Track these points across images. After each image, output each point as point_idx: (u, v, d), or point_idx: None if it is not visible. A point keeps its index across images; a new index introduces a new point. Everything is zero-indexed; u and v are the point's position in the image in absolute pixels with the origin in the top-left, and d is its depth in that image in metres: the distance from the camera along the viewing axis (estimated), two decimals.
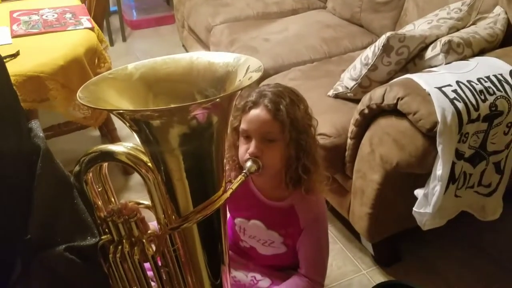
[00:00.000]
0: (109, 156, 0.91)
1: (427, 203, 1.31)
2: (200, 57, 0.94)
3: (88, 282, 0.95)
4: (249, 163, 1.08)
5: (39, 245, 0.86)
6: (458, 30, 1.59)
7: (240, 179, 0.97)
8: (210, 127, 0.84)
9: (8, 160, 0.84)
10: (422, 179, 1.33)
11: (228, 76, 0.89)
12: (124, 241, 0.96)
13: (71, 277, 0.91)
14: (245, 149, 1.14)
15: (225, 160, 0.94)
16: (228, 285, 1.07)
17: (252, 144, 1.13)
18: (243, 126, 1.16)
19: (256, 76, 0.84)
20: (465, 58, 1.45)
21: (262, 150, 1.12)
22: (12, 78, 1.00)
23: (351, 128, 1.49)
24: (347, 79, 1.66)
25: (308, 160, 1.18)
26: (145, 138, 0.84)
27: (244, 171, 1.03)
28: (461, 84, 1.28)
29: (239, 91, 0.85)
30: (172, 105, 0.87)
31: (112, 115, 2.03)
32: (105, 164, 0.97)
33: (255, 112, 1.14)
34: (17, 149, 0.86)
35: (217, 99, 0.82)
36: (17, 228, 0.85)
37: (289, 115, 1.13)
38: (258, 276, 1.38)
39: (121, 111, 0.83)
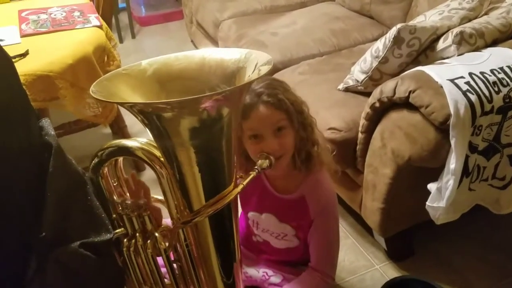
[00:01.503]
0: (126, 151, 0.94)
1: (441, 197, 1.29)
2: (212, 53, 0.95)
3: (103, 278, 0.96)
4: (260, 160, 1.08)
5: (54, 242, 0.87)
6: (470, 20, 1.56)
7: (252, 174, 0.97)
8: (221, 121, 0.85)
9: (19, 158, 0.85)
10: (434, 173, 1.31)
11: (238, 72, 0.89)
12: (137, 234, 0.98)
13: (86, 273, 0.92)
14: (258, 149, 1.13)
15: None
16: (239, 280, 1.08)
17: (269, 141, 1.13)
18: (250, 129, 1.15)
19: (265, 69, 0.84)
20: (477, 49, 1.42)
21: (278, 143, 1.13)
22: (21, 78, 1.01)
23: (362, 122, 1.47)
24: (358, 72, 1.64)
25: (312, 135, 1.21)
26: (156, 132, 0.85)
27: (256, 167, 1.03)
28: (474, 76, 1.26)
29: (249, 84, 0.85)
30: (182, 98, 0.88)
31: (123, 112, 2.05)
32: (121, 159, 0.99)
33: (259, 112, 1.14)
34: (27, 147, 0.86)
35: (227, 92, 0.83)
36: (32, 225, 0.86)
37: (288, 100, 1.15)
38: (270, 272, 1.39)
39: (132, 104, 0.84)
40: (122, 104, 0.87)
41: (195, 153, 0.86)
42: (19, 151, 0.84)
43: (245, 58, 0.90)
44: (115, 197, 1.01)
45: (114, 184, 1.01)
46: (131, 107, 0.82)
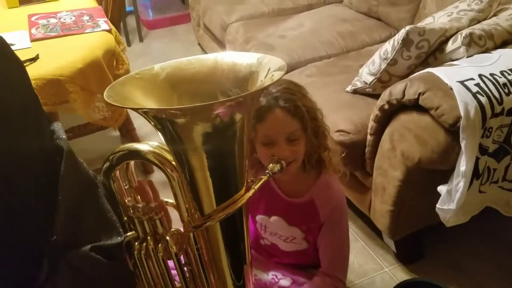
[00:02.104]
0: (137, 154, 0.94)
1: (451, 199, 1.29)
2: (224, 57, 0.95)
3: (113, 282, 0.96)
4: (271, 164, 1.07)
5: (65, 245, 0.87)
6: (479, 22, 1.56)
7: (263, 179, 0.96)
8: (233, 126, 0.84)
9: (31, 162, 0.85)
10: (444, 175, 1.30)
11: (251, 77, 0.89)
12: (149, 238, 0.98)
13: (97, 277, 0.92)
14: (269, 154, 1.12)
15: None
16: (250, 283, 1.08)
17: (282, 147, 1.12)
18: (263, 133, 1.14)
19: (278, 75, 0.83)
20: (487, 50, 1.42)
21: (290, 150, 1.13)
22: (32, 82, 1.01)
23: (371, 124, 1.47)
24: (366, 74, 1.64)
25: (324, 141, 1.21)
26: (169, 137, 0.85)
27: (267, 171, 1.03)
28: (483, 78, 1.25)
29: (263, 90, 0.85)
30: (196, 104, 0.88)
31: (132, 115, 2.06)
32: (132, 162, 0.99)
33: (274, 116, 1.13)
34: (39, 151, 0.87)
35: (240, 98, 0.82)
36: (44, 229, 0.86)
37: (305, 107, 1.14)
38: (279, 275, 1.38)
39: (146, 110, 0.84)
40: (136, 109, 0.88)
41: (207, 157, 0.86)
42: (32, 155, 0.85)
43: (257, 62, 0.90)
44: (126, 200, 1.01)
45: (126, 187, 1.02)
46: (144, 112, 0.82)
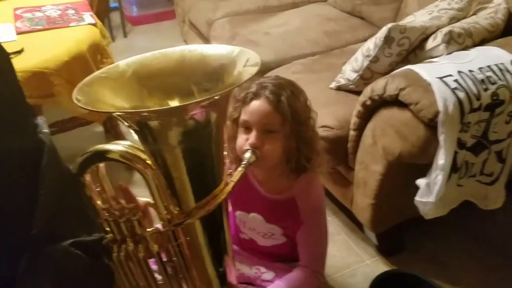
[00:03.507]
0: (102, 156, 0.92)
1: (430, 192, 1.32)
2: (192, 50, 0.94)
3: (94, 277, 0.96)
4: (248, 154, 1.07)
5: (45, 240, 0.86)
6: (459, 20, 1.59)
7: (241, 170, 0.96)
8: (209, 122, 0.84)
9: (16, 157, 0.85)
10: (424, 170, 1.34)
11: (225, 68, 0.88)
12: (127, 239, 0.96)
13: (77, 272, 0.91)
14: (245, 139, 1.14)
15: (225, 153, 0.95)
16: (232, 276, 1.08)
17: (253, 135, 1.13)
18: (243, 117, 1.16)
19: (253, 70, 0.83)
20: (466, 48, 1.45)
21: (263, 141, 1.13)
22: (17, 75, 1.01)
23: (354, 119, 1.50)
24: (349, 71, 1.66)
25: (309, 151, 1.20)
26: (144, 137, 0.84)
27: (244, 162, 1.03)
28: (462, 74, 1.29)
29: (236, 87, 0.84)
30: (171, 105, 0.88)
31: None
32: (102, 164, 0.96)
33: (256, 104, 1.14)
34: (21, 145, 0.87)
35: (216, 97, 0.81)
36: (22, 223, 0.86)
37: (290, 107, 1.14)
38: (262, 269, 1.39)
39: (120, 113, 0.82)
40: (107, 113, 0.86)
41: (183, 155, 0.85)
42: (14, 150, 0.85)
43: (227, 53, 0.89)
44: (99, 203, 0.98)
45: (97, 190, 0.98)
46: (118, 115, 0.81)
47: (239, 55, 0.89)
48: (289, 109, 1.14)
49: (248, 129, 1.15)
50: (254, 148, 1.11)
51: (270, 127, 1.14)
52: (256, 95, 1.15)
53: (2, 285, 0.87)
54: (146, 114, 0.82)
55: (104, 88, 0.87)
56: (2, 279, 0.86)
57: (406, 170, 1.42)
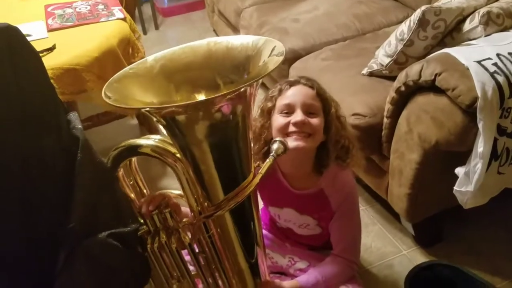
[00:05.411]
0: (134, 150, 0.95)
1: (469, 181, 1.27)
2: (217, 42, 0.95)
3: (130, 268, 0.98)
4: (275, 145, 1.01)
5: (82, 233, 0.89)
6: (497, 0, 1.52)
7: (269, 162, 0.95)
8: (235, 114, 0.85)
9: (49, 153, 0.87)
10: (462, 157, 1.29)
11: (251, 59, 0.89)
12: (160, 231, 0.99)
13: (114, 263, 0.93)
14: (286, 122, 1.16)
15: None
16: (264, 267, 1.08)
17: (298, 113, 1.15)
18: (283, 101, 1.18)
19: (278, 60, 0.83)
20: (505, 29, 1.38)
21: (308, 120, 1.15)
22: (49, 72, 1.03)
23: (387, 106, 1.45)
24: (382, 56, 1.61)
25: (346, 142, 1.23)
26: (172, 131, 0.86)
27: (272, 153, 0.98)
28: (501, 57, 1.23)
29: (261, 78, 0.83)
30: (198, 98, 0.90)
31: None
32: (134, 159, 1.00)
33: (297, 87, 1.19)
34: (57, 142, 0.89)
35: (242, 89, 0.82)
36: (60, 219, 0.88)
37: (329, 100, 1.21)
38: (296, 258, 1.40)
39: (148, 109, 0.84)
40: (135, 108, 0.88)
41: (211, 148, 0.87)
42: (52, 150, 0.87)
43: (252, 44, 0.90)
44: (132, 195, 1.02)
45: (131, 183, 1.02)
46: (147, 111, 0.82)
47: (265, 45, 0.89)
48: (324, 95, 1.20)
49: (288, 113, 1.17)
50: (302, 124, 1.13)
51: (312, 109, 1.17)
52: (293, 83, 1.20)
53: (41, 279, 0.89)
54: (174, 109, 0.83)
55: (133, 84, 0.89)
56: (41, 273, 0.88)
57: (443, 158, 1.37)
